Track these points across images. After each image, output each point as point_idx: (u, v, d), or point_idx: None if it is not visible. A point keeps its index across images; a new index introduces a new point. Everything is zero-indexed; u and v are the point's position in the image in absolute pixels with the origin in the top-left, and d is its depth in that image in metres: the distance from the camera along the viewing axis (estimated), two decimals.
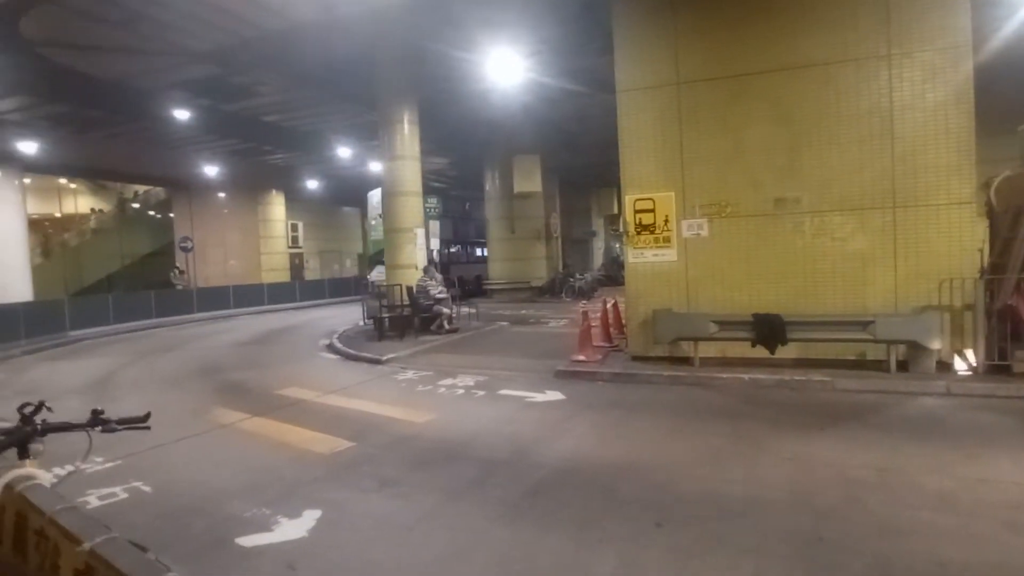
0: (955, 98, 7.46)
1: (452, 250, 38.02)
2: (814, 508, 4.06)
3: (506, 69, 13.00)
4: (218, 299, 23.09)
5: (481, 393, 7.94)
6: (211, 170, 24.44)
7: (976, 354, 7.26)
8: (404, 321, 13.19)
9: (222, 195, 27.66)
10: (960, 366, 7.42)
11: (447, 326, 13.41)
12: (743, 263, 8.35)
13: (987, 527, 3.68)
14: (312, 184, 30.27)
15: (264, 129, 20.74)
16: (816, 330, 7.66)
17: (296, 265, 32.03)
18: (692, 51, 8.66)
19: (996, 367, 7.07)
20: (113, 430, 2.95)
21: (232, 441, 6.46)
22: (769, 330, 7.72)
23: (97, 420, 2.95)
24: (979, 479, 4.40)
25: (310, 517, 4.35)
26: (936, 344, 7.27)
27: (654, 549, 3.64)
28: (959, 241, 7.47)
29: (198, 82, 15.52)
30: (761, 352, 7.81)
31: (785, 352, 7.77)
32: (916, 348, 7.33)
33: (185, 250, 23.19)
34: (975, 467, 4.64)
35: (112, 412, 2.55)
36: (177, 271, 25.19)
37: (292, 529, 4.20)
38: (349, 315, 17.86)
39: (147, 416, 3.04)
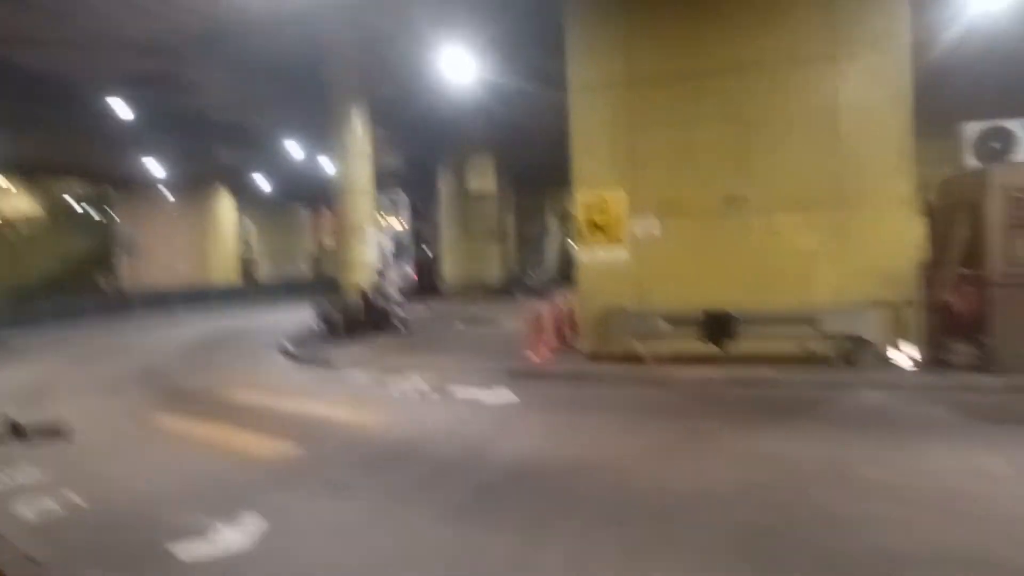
0: (895, 100, 7.72)
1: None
2: (762, 501, 4.09)
3: (459, 67, 12.87)
4: (164, 301, 22.22)
5: (433, 394, 7.81)
6: (155, 168, 23.47)
7: (917, 348, 7.52)
8: (357, 322, 12.91)
9: (168, 194, 26.63)
10: (902, 360, 7.68)
11: (401, 327, 13.19)
12: (694, 261, 8.45)
13: (929, 516, 3.78)
14: (263, 183, 29.45)
15: (211, 126, 20.06)
16: (765, 326, 7.81)
17: (247, 266, 31.13)
18: (644, 51, 8.72)
19: (935, 360, 7.34)
20: (29, 440, 2.76)
21: (175, 448, 6.16)
22: (719, 327, 7.83)
23: (12, 430, 2.75)
24: (920, 470, 4.53)
25: (252, 524, 4.16)
26: (879, 339, 7.51)
27: (603, 547, 3.60)
28: (900, 238, 7.74)
29: (141, 77, 14.87)
30: (712, 348, 7.91)
31: (735, 348, 7.90)
32: (860, 343, 7.54)
33: (128, 251, 22.20)
34: (917, 458, 4.78)
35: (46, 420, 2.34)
36: (103, 274, 24.20)
37: (233, 537, 4.00)
38: (302, 316, 17.39)
39: (66, 427, 2.84)
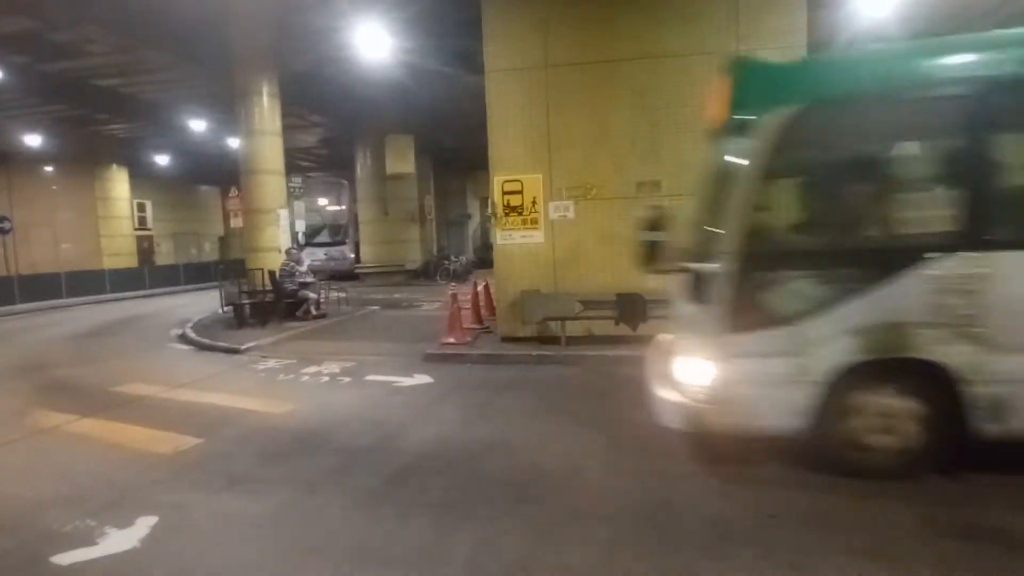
0: None
1: None
2: (666, 476, 4.28)
3: (375, 44, 12.46)
4: (47, 287, 20.35)
5: (347, 380, 7.61)
6: (33, 140, 21.34)
7: None
8: (267, 307, 12.35)
9: (50, 169, 24.34)
10: None
11: (314, 312, 12.76)
12: (607, 244, 8.64)
13: None
14: (162, 160, 27.47)
15: (97, 94, 18.33)
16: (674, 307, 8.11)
17: (145, 249, 29.04)
18: (561, 35, 8.77)
19: None
20: None
21: (54, 447, 5.67)
22: (631, 308, 8.07)
23: None
24: None
25: (144, 524, 3.90)
26: None
27: (513, 527, 3.64)
28: None
29: (9, 37, 13.37)
30: (625, 330, 8.16)
31: (647, 329, 8.16)
32: None
33: (1, 231, 20.09)
34: None
35: None
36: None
37: (121, 540, 3.73)
38: (207, 303, 16.45)
39: None
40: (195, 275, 25.98)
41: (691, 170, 8.38)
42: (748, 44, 8.21)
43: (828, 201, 4.32)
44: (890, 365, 3.86)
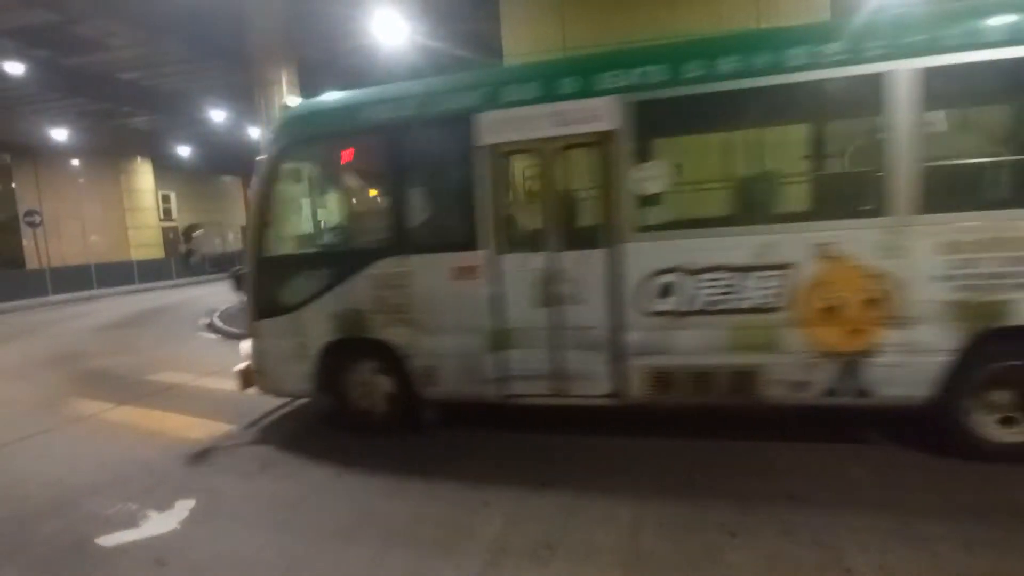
0: None
1: None
2: (687, 459, 4.32)
3: (391, 30, 12.47)
4: (78, 279, 20.90)
5: None
6: (59, 134, 21.77)
7: None
8: None
9: (76, 163, 24.81)
10: None
11: None
12: None
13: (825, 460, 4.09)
14: (185, 151, 27.86)
15: (120, 87, 18.65)
16: None
17: (171, 240, 29.56)
18: (579, 18, 8.72)
19: None
20: None
21: (93, 434, 5.89)
22: None
23: None
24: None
25: (183, 508, 4.08)
26: None
27: (537, 508, 3.73)
28: None
29: (32, 30, 13.61)
30: None
31: None
32: None
33: (32, 225, 20.60)
34: None
35: None
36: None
37: (162, 522, 3.91)
38: (232, 293, 16.77)
39: None
40: (219, 264, 26.40)
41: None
42: (770, 21, 8.08)
43: (311, 217, 5.75)
44: (360, 344, 5.00)
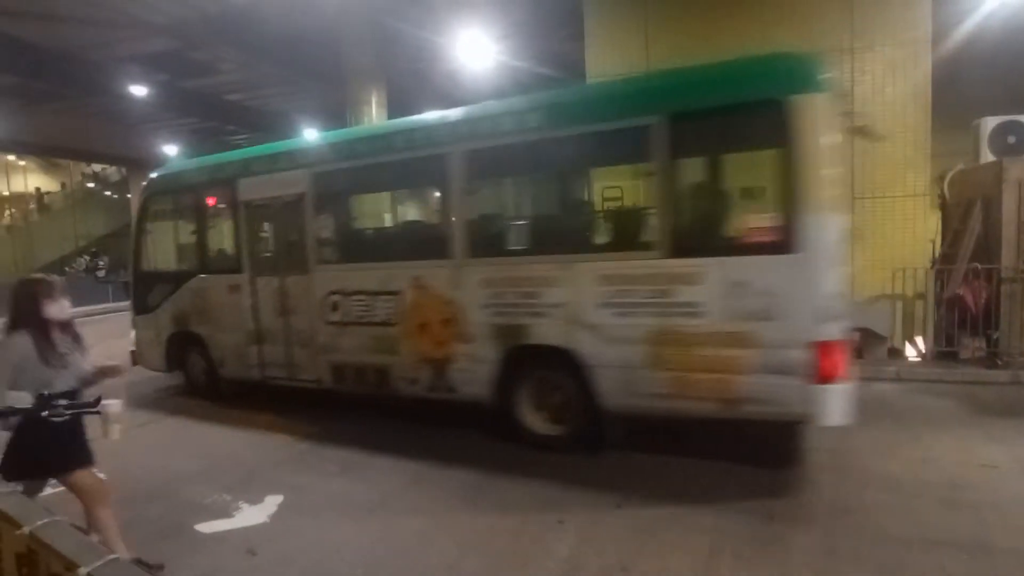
0: (913, 93, 7.65)
1: None
2: (768, 486, 4.19)
3: (477, 52, 12.87)
4: None
5: None
6: (171, 150, 23.67)
7: (926, 341, 7.53)
8: None
9: None
10: (911, 353, 7.70)
11: None
12: None
13: (927, 504, 3.86)
14: None
15: (226, 108, 20.13)
16: None
17: None
18: (663, 38, 8.68)
19: (944, 353, 7.35)
20: (61, 415, 2.90)
21: (193, 427, 6.37)
22: None
23: (44, 404, 2.89)
24: (922, 459, 4.60)
25: (272, 502, 4.34)
26: (888, 331, 7.53)
27: (612, 529, 3.72)
28: (913, 232, 7.72)
29: (155, 56, 14.97)
30: None
31: None
32: (870, 335, 7.56)
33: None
34: (919, 448, 4.85)
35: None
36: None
37: (253, 514, 4.17)
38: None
39: (98, 401, 2.99)
40: None
41: None
42: (864, 41, 7.79)
43: (163, 245, 7.69)
44: (188, 335, 7.15)
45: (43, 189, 31.83)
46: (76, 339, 3.25)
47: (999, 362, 6.88)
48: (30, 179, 33.16)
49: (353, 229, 7.08)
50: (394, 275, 5.55)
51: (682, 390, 4.34)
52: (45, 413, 2.85)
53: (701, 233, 4.59)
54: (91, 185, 31.28)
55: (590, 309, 4.61)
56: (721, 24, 8.40)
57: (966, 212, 7.61)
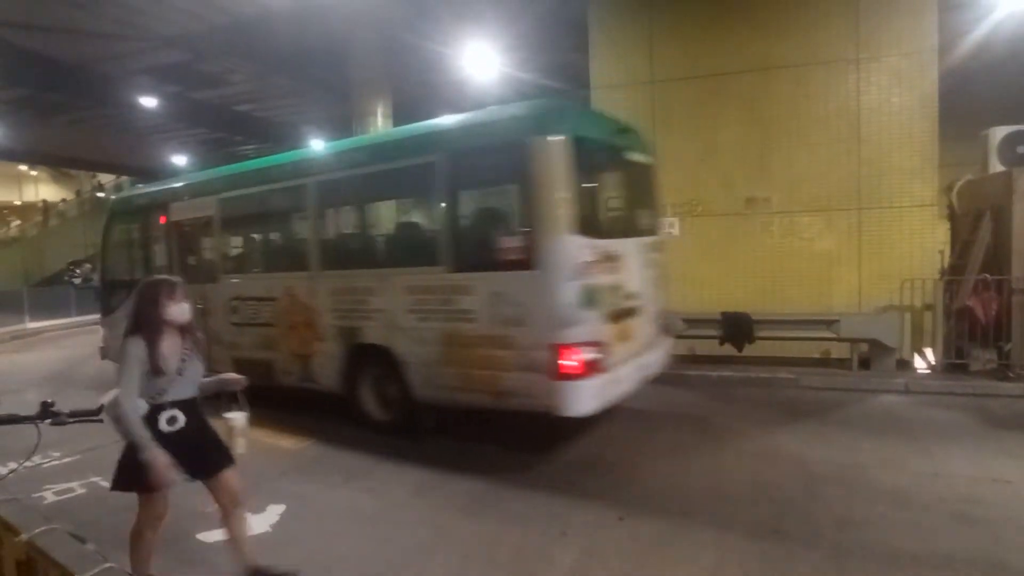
0: (920, 103, 7.63)
1: None
2: (774, 501, 4.13)
3: (482, 64, 12.94)
4: None
5: None
6: (180, 160, 23.91)
7: (935, 353, 7.46)
8: None
9: None
10: (920, 364, 7.63)
11: None
12: (713, 262, 8.45)
13: (937, 519, 3.80)
14: None
15: (235, 118, 20.34)
16: (782, 328, 7.79)
17: None
18: (667, 50, 8.72)
19: (954, 365, 7.28)
20: (63, 423, 2.88)
21: None
22: (737, 328, 7.82)
23: (47, 412, 2.87)
24: (932, 473, 4.53)
25: (274, 512, 4.31)
26: (897, 343, 7.46)
27: (615, 541, 3.67)
28: (920, 243, 7.67)
29: (166, 68, 15.15)
30: (729, 350, 7.92)
31: (752, 350, 7.89)
32: (878, 346, 7.50)
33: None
34: (929, 462, 4.78)
35: (69, 406, 2.48)
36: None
37: (256, 524, 4.13)
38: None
39: (100, 409, 2.97)
40: None
41: (805, 184, 8.10)
42: (870, 52, 7.78)
43: (121, 259, 8.93)
44: None
45: (54, 199, 32.15)
46: (197, 344, 3.17)
47: (1011, 375, 6.80)
48: (41, 190, 33.50)
49: (245, 245, 8.42)
50: (273, 285, 6.75)
51: (466, 384, 5.15)
52: (48, 421, 2.84)
53: (472, 251, 5.26)
54: (101, 195, 31.59)
55: (400, 314, 5.53)
56: (725, 35, 8.43)
57: (975, 222, 7.56)
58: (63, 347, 12.97)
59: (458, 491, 4.56)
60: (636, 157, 6.13)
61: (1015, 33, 11.20)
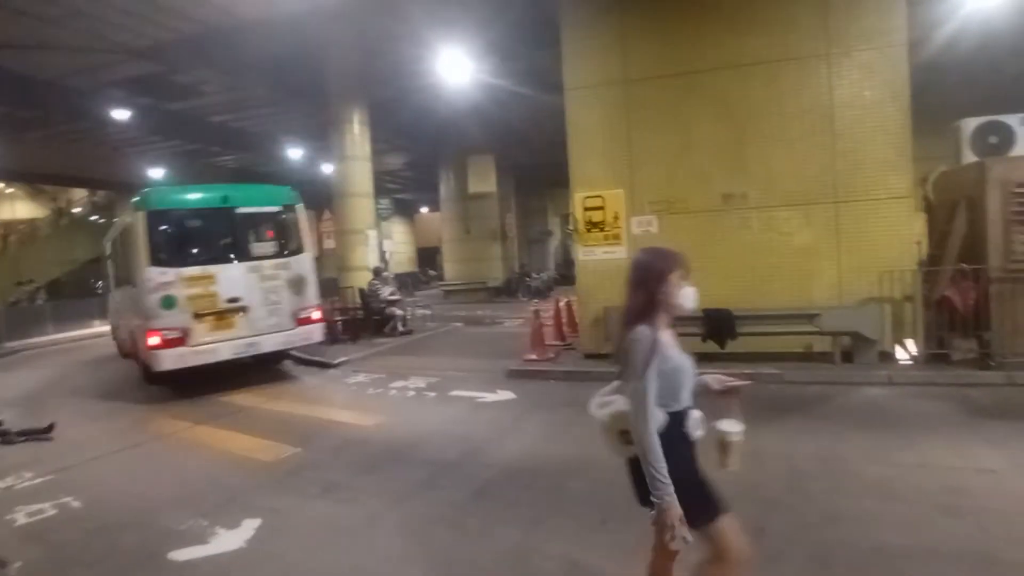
0: (892, 96, 7.68)
1: None
2: (759, 498, 4.07)
3: (457, 70, 12.87)
4: None
5: (432, 394, 7.80)
6: (157, 173, 23.54)
7: (916, 344, 7.49)
8: (357, 324, 12.91)
9: None
10: (902, 356, 7.65)
11: (400, 328, 13.20)
12: (692, 259, 8.15)
13: (923, 512, 3.76)
14: None
15: (211, 130, 20.05)
16: (765, 324, 7.78)
17: None
18: (640, 49, 8.71)
19: (935, 356, 7.30)
20: (11, 442, 2.76)
21: (171, 452, 6.18)
22: (719, 325, 7.80)
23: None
24: (917, 465, 4.51)
25: (249, 526, 4.18)
26: (878, 335, 7.47)
27: (598, 546, 3.59)
28: (898, 235, 7.69)
29: (138, 80, 14.89)
30: (712, 347, 7.89)
31: (735, 346, 7.87)
32: (860, 339, 7.51)
33: None
34: (913, 454, 4.76)
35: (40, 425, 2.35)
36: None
37: (229, 540, 4.02)
38: None
39: (51, 427, 2.86)
40: None
41: (782, 179, 8.11)
42: (841, 47, 7.82)
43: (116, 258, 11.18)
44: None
45: (29, 216, 31.56)
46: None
47: (992, 363, 6.83)
48: (17, 206, 32.87)
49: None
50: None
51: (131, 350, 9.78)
52: None
53: (113, 276, 8.40)
54: (77, 210, 31.02)
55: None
56: (697, 33, 8.45)
57: (950, 213, 7.61)
58: (37, 367, 12.65)
59: (438, 499, 4.46)
60: (246, 209, 9.03)
61: (984, 27, 11.35)
